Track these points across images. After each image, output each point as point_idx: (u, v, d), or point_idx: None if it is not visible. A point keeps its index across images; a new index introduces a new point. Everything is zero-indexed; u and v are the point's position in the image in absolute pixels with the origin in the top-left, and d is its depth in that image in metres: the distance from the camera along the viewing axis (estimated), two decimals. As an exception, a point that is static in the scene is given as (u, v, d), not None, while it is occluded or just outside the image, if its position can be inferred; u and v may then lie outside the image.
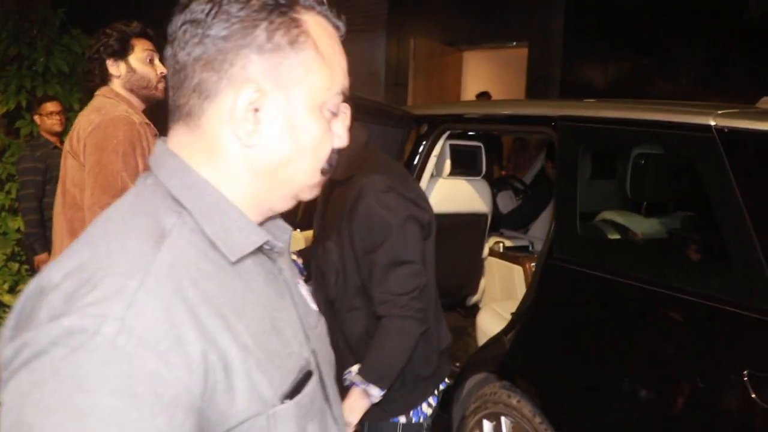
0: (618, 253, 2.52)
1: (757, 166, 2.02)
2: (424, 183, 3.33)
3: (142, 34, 2.39)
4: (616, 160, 3.31)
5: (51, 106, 4.57)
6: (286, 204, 0.89)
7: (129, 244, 0.74)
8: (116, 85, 2.37)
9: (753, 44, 5.65)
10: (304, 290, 1.00)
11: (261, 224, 0.90)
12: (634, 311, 2.17)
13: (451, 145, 3.43)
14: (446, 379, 2.10)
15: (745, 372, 1.80)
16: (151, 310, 0.69)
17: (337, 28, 0.89)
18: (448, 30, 8.37)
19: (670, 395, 2.00)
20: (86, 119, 2.29)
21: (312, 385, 0.85)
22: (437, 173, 3.47)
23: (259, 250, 0.86)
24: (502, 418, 2.51)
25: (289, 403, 0.80)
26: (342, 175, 1.91)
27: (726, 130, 2.00)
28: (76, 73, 5.39)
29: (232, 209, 0.82)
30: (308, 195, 0.90)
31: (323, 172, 0.89)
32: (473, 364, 2.71)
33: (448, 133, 3.33)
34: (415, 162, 3.29)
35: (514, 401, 2.44)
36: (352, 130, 1.76)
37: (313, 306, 1.01)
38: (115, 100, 2.33)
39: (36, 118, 4.65)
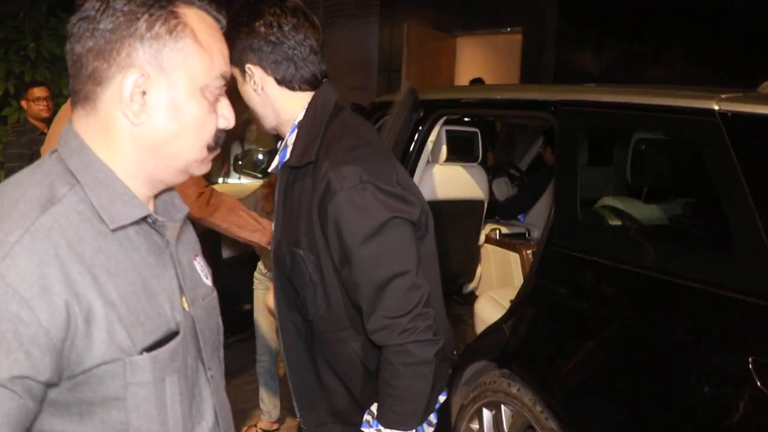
0: (620, 239, 2.49)
1: (762, 150, 1.99)
2: (420, 169, 3.29)
3: None
4: (613, 146, 3.27)
5: (38, 92, 4.49)
6: (176, 177, 1.01)
7: (19, 207, 0.86)
8: None
9: (743, 31, 5.63)
10: (199, 266, 1.13)
11: (156, 198, 1.05)
12: (636, 298, 2.15)
13: (447, 131, 3.39)
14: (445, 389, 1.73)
15: (750, 359, 1.77)
16: (23, 262, 0.82)
17: (217, 20, 1.01)
18: (441, 16, 8.31)
19: (673, 382, 1.97)
20: None
21: (174, 344, 0.96)
22: (433, 159, 3.44)
23: (146, 223, 0.98)
24: (502, 407, 2.49)
25: (146, 355, 0.91)
26: (297, 160, 1.51)
27: (730, 115, 1.96)
28: (64, 58, 5.30)
29: (119, 185, 0.94)
30: (198, 169, 1.03)
31: (209, 148, 1.01)
32: (472, 352, 2.68)
33: (444, 118, 3.28)
34: (411, 148, 3.24)
35: (513, 390, 2.41)
36: (313, 104, 1.54)
37: (207, 281, 1.13)
38: None
39: (23, 103, 4.57)
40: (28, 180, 0.92)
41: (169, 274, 1.01)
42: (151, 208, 1.02)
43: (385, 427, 1.49)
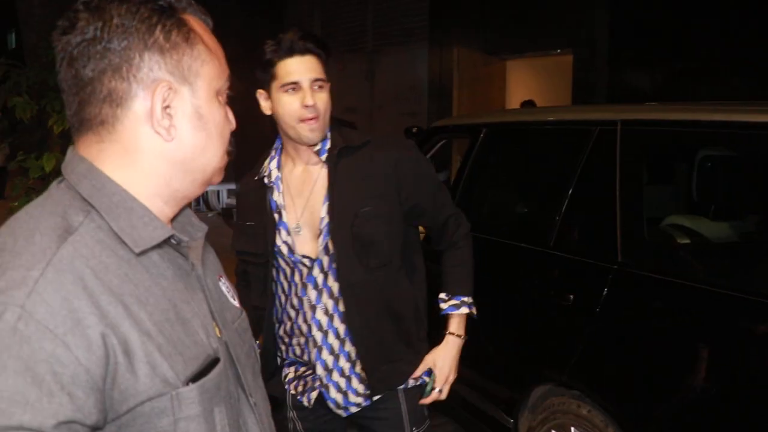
0: (689, 257, 2.46)
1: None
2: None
3: None
4: (675, 163, 3.23)
5: None
6: (199, 190, 0.97)
7: (35, 239, 0.81)
8: None
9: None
10: (225, 288, 1.08)
11: (174, 219, 0.99)
12: (708, 317, 2.11)
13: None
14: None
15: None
16: (50, 297, 0.76)
17: (206, 23, 0.98)
18: (490, 39, 8.34)
19: (746, 398, 1.93)
20: None
21: (217, 371, 0.91)
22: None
23: (170, 246, 0.93)
24: (572, 429, 2.46)
25: (192, 386, 0.85)
26: (360, 140, 1.89)
27: (802, 128, 1.94)
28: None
29: (138, 206, 0.89)
30: (218, 177, 0.99)
31: (229, 154, 0.98)
32: (538, 373, 2.66)
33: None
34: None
35: (584, 411, 2.38)
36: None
37: (234, 303, 1.08)
38: None
39: None
40: (39, 211, 0.86)
41: (198, 299, 0.95)
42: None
43: (466, 295, 2.01)
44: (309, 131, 1.77)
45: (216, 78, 0.94)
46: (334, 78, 2.03)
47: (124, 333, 0.80)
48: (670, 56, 6.55)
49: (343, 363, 1.88)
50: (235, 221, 2.03)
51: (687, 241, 2.52)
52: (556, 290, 2.61)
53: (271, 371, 1.98)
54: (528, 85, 8.91)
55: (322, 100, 1.76)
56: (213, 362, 0.91)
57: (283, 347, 1.98)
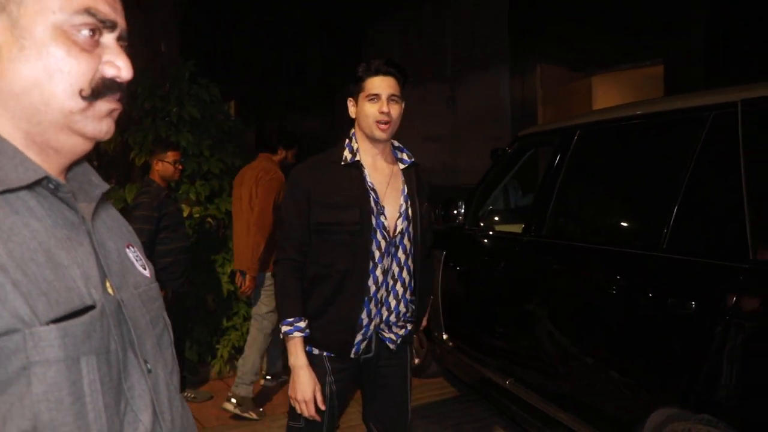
0: None
1: None
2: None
3: None
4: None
5: (175, 155, 4.41)
6: (64, 139, 0.89)
7: None
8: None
9: None
10: (133, 255, 1.04)
11: (70, 174, 0.96)
12: None
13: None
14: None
15: None
16: None
17: None
18: (574, 55, 8.01)
19: None
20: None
21: (88, 318, 0.83)
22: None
23: (51, 194, 0.89)
24: (703, 460, 2.08)
25: (52, 326, 0.79)
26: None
27: None
28: (205, 121, 5.44)
29: (7, 147, 0.85)
30: (91, 128, 0.90)
31: (83, 95, 0.87)
32: (656, 395, 2.31)
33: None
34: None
35: (718, 439, 2.01)
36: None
37: (143, 272, 1.04)
38: None
39: (159, 164, 4.41)
40: None
41: (84, 251, 0.89)
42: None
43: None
44: (380, 131, 2.23)
45: (57, 8, 0.85)
46: (415, 108, 2.15)
47: None
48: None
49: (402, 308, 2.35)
50: (313, 199, 2.22)
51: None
52: (673, 297, 2.26)
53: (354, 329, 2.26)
54: (615, 101, 8.46)
55: (395, 110, 2.23)
56: (87, 309, 0.84)
57: (367, 299, 2.26)
